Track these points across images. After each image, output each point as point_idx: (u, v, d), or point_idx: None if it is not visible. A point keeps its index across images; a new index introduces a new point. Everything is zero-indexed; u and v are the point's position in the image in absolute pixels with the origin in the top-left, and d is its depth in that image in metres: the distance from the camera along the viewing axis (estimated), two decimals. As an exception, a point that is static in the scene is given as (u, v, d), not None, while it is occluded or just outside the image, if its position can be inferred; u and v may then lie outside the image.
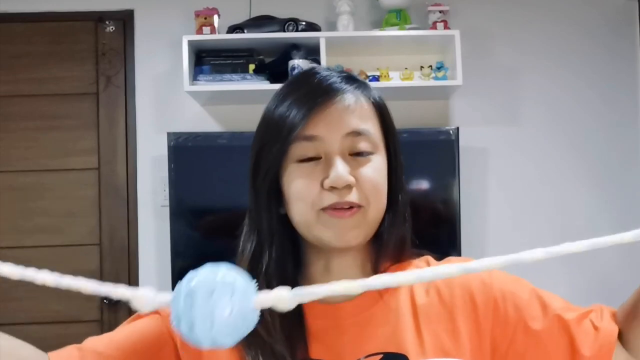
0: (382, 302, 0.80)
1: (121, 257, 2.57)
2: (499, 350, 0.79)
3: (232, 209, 2.42)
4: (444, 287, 0.82)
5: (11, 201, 2.57)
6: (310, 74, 0.82)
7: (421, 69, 2.49)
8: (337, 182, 0.74)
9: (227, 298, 0.50)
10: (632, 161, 2.66)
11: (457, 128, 2.44)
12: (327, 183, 0.74)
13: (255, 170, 0.80)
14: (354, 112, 0.77)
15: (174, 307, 0.52)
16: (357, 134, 0.77)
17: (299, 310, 0.77)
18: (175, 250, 2.38)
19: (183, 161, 2.39)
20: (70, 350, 0.79)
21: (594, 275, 2.57)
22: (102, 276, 2.56)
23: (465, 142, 2.48)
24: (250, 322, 0.52)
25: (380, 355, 0.76)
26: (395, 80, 2.48)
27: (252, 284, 0.53)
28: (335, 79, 0.79)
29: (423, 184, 2.43)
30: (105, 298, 2.52)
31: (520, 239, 2.58)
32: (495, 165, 2.63)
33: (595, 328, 0.78)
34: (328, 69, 0.83)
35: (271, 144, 0.77)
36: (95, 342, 0.80)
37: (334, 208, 0.75)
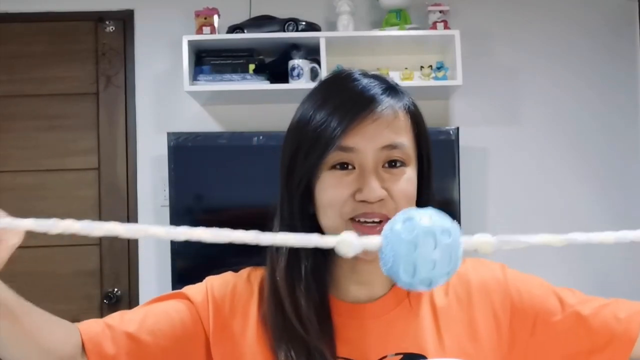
0: (405, 303, 0.83)
1: (121, 257, 2.57)
2: (519, 343, 0.83)
3: (233, 208, 2.43)
4: (462, 289, 0.85)
5: (11, 201, 2.57)
6: (350, 79, 0.82)
7: (421, 69, 2.49)
8: (369, 198, 0.75)
9: (446, 241, 0.53)
10: (632, 161, 2.66)
11: (457, 128, 2.44)
12: (359, 196, 0.76)
13: (290, 173, 0.81)
14: (391, 125, 0.78)
15: (391, 253, 0.54)
16: (392, 147, 0.78)
17: (327, 307, 0.80)
18: (175, 250, 2.38)
19: (183, 161, 2.39)
20: (100, 327, 0.79)
21: (595, 276, 2.57)
22: (102, 276, 2.56)
23: (465, 142, 2.48)
24: (457, 263, 0.55)
25: (401, 356, 0.79)
26: (395, 80, 2.48)
27: (458, 227, 0.56)
28: (377, 89, 0.80)
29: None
30: (106, 298, 2.52)
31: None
32: (495, 165, 2.63)
33: (617, 318, 0.81)
34: (365, 74, 0.83)
35: (308, 151, 0.78)
36: (125, 322, 0.80)
37: (363, 224, 0.77)
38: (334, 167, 0.78)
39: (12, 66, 2.60)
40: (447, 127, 2.49)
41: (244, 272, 0.88)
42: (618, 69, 2.67)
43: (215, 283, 0.86)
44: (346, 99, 0.78)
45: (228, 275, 0.88)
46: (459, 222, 2.38)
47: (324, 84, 0.85)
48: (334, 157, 0.77)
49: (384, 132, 0.77)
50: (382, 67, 2.50)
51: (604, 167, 2.64)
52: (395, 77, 2.50)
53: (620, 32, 2.67)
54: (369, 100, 0.78)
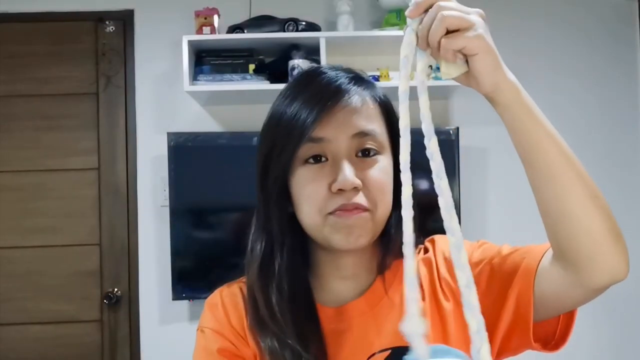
0: (386, 298, 0.83)
1: (121, 257, 2.57)
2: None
3: (232, 208, 2.42)
4: (428, 276, 0.85)
5: (11, 201, 2.57)
6: (316, 73, 0.82)
7: (421, 69, 2.49)
8: (344, 185, 0.75)
9: None
10: (632, 162, 2.66)
11: (457, 128, 2.44)
12: (334, 186, 0.75)
13: (264, 171, 0.80)
14: (360, 113, 0.78)
15: None
16: (363, 134, 0.78)
17: (313, 314, 0.80)
18: (175, 250, 2.38)
19: (183, 161, 2.39)
20: None
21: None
22: (102, 276, 2.56)
23: (465, 142, 2.48)
24: None
25: (389, 351, 0.79)
26: (395, 80, 2.49)
27: None
28: (342, 79, 0.80)
29: (423, 184, 2.43)
30: (106, 298, 2.53)
31: (520, 239, 2.57)
32: (495, 165, 2.63)
33: (521, 256, 0.81)
34: (333, 67, 0.83)
35: (281, 147, 0.78)
36: None
37: (341, 209, 0.77)
38: (307, 161, 0.78)
39: (12, 66, 2.60)
40: (447, 127, 2.49)
41: (216, 296, 0.86)
42: (617, 71, 2.67)
43: (210, 324, 0.84)
44: (313, 92, 0.79)
45: (209, 313, 0.85)
46: (459, 223, 2.40)
47: (292, 82, 0.85)
48: (306, 150, 0.77)
49: (353, 120, 0.77)
50: (382, 67, 2.50)
51: (603, 168, 2.63)
52: (395, 77, 2.50)
53: (619, 35, 2.67)
54: (336, 90, 0.78)
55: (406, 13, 0.67)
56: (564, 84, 2.66)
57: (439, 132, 2.70)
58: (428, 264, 0.87)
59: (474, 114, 2.64)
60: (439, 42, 0.66)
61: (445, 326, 0.81)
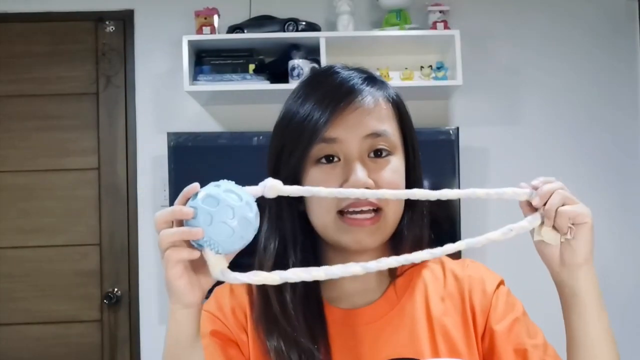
0: (399, 307, 0.82)
1: (121, 257, 2.57)
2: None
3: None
4: (458, 295, 0.84)
5: (11, 201, 2.57)
6: (329, 73, 0.82)
7: (421, 69, 2.49)
8: (356, 185, 0.74)
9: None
10: (632, 160, 2.66)
11: (457, 128, 2.44)
12: (346, 186, 0.75)
13: (275, 170, 0.80)
14: (372, 114, 0.78)
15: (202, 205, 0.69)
16: (376, 135, 0.78)
17: (321, 313, 0.79)
18: (175, 250, 2.38)
19: (183, 161, 2.39)
20: None
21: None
22: (102, 276, 2.56)
23: (465, 142, 2.48)
24: (246, 235, 0.64)
25: None
26: (395, 80, 2.48)
27: (254, 203, 0.65)
28: (356, 80, 0.80)
29: (423, 184, 2.43)
30: (106, 298, 2.53)
31: (520, 239, 2.57)
32: (495, 165, 2.63)
33: None
34: (346, 67, 0.83)
35: (293, 146, 0.78)
36: None
37: (354, 217, 0.76)
38: (319, 160, 0.77)
39: (12, 66, 2.61)
40: (447, 127, 2.48)
41: (224, 287, 0.86)
42: (618, 68, 2.67)
43: (211, 308, 0.84)
44: (326, 92, 0.78)
45: (213, 298, 0.86)
46: (459, 223, 2.40)
47: (305, 81, 0.85)
48: (318, 150, 0.77)
49: (366, 120, 0.77)
50: (382, 67, 2.50)
51: (604, 166, 2.64)
52: (395, 77, 2.50)
53: (620, 31, 2.67)
54: (349, 90, 0.78)
55: (533, 203, 0.79)
56: (566, 79, 2.66)
57: (439, 132, 2.69)
58: (457, 280, 0.86)
59: (474, 114, 2.64)
60: (556, 210, 0.75)
61: (471, 346, 0.81)
